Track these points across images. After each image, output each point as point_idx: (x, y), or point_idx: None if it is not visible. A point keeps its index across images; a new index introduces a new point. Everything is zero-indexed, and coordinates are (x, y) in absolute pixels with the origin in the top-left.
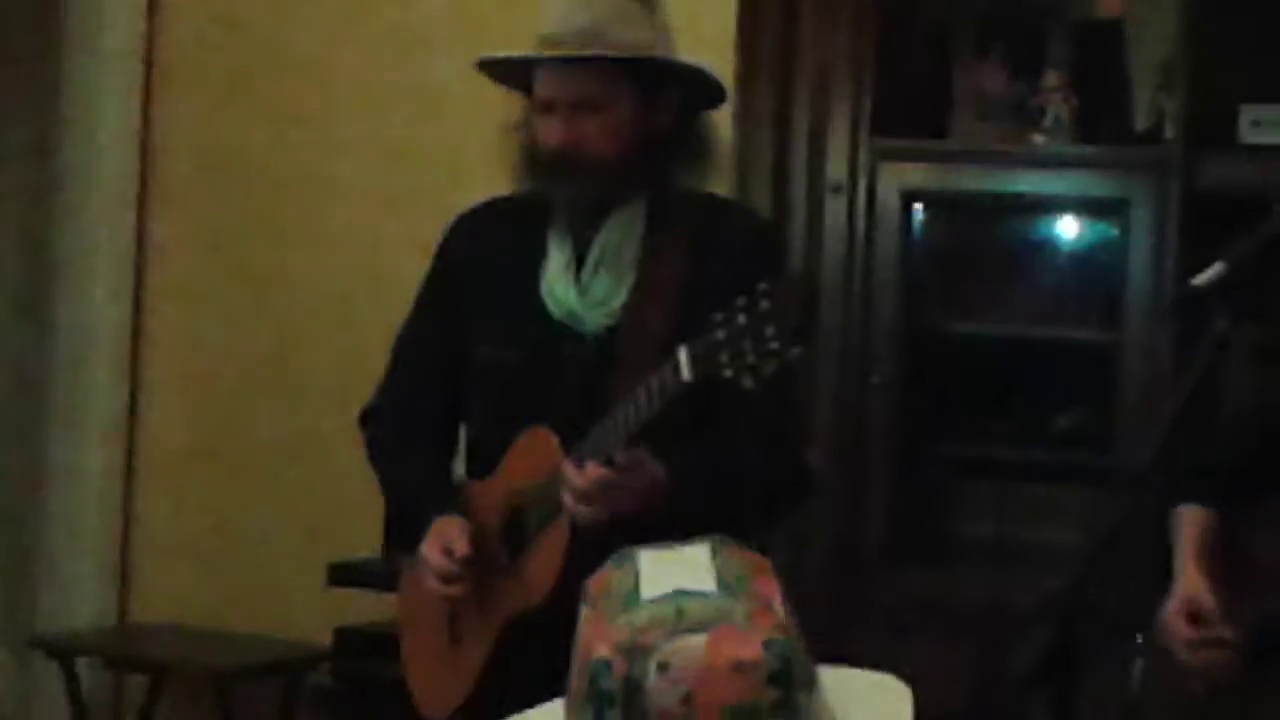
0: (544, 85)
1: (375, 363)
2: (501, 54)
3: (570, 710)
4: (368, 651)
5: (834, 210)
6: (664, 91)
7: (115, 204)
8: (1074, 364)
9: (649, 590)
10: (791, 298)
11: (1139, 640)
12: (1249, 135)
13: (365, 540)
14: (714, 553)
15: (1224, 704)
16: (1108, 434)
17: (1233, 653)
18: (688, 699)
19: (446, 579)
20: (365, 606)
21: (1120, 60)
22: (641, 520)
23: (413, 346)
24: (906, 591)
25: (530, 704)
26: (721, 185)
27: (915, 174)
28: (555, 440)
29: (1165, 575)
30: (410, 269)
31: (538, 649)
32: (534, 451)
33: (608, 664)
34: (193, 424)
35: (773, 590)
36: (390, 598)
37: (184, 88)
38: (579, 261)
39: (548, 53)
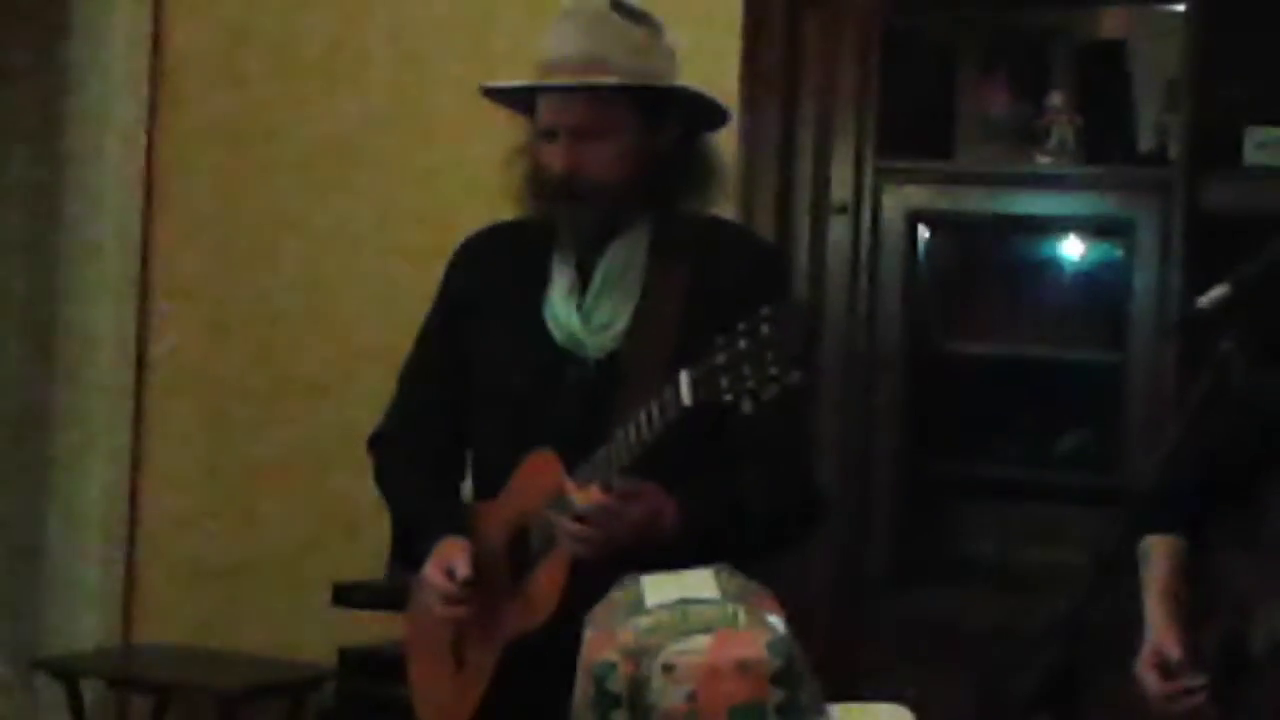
0: (546, 112)
1: (381, 380)
2: (505, 83)
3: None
4: (373, 672)
5: (838, 231)
6: (666, 115)
7: (119, 211)
8: (1078, 385)
9: (652, 600)
10: (792, 323)
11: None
12: (1254, 156)
13: (370, 561)
14: (716, 574)
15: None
16: (1112, 454)
17: (1203, 696)
18: (693, 699)
19: (447, 600)
20: (370, 627)
21: (1125, 81)
22: (644, 553)
23: (420, 372)
24: (911, 613)
25: None
26: (726, 206)
27: (920, 195)
28: (559, 463)
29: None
30: (418, 281)
31: (540, 672)
32: (538, 474)
33: (613, 666)
34: (198, 444)
35: (774, 607)
36: (395, 618)
37: (190, 91)
38: (582, 286)
39: (548, 81)
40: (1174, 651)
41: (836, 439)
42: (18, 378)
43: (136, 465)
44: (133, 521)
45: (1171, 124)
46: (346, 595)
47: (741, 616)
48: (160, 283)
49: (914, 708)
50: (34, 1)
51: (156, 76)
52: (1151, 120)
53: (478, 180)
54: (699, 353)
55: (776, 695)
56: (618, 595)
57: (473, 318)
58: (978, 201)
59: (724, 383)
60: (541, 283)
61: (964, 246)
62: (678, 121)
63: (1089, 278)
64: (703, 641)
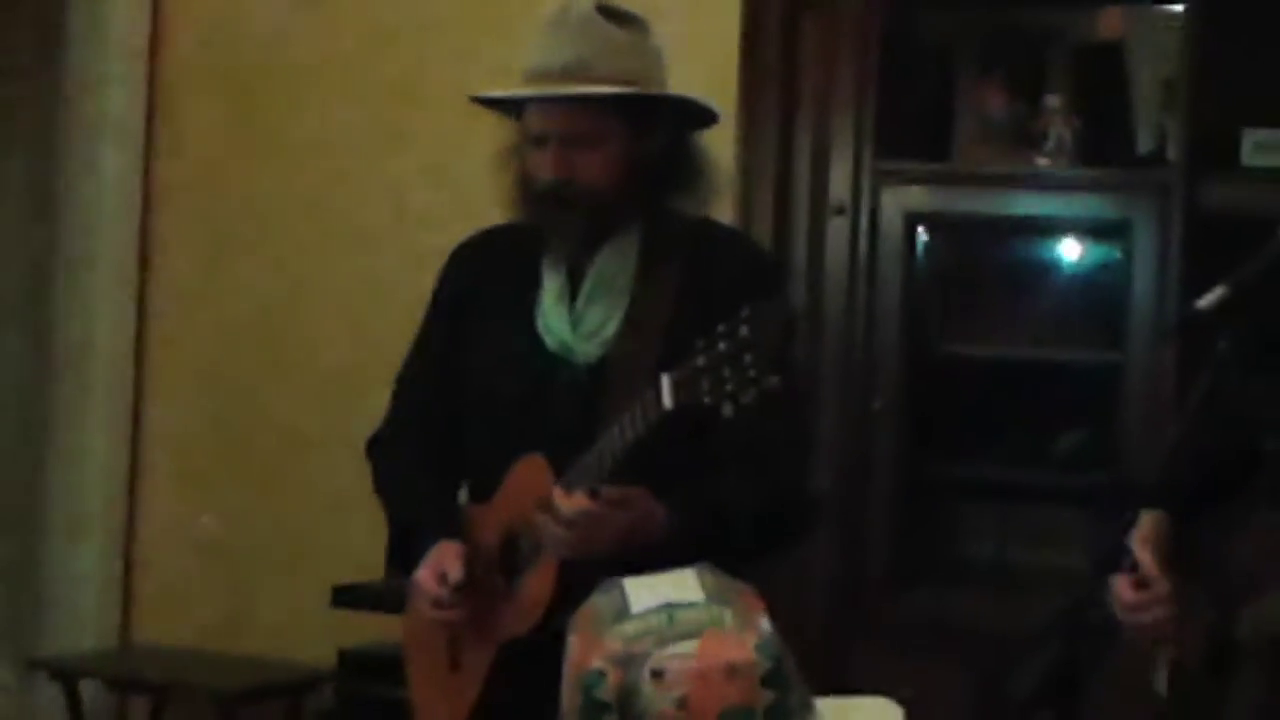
0: (534, 120)
1: (381, 381)
2: (494, 93)
3: None
4: (371, 673)
5: (836, 233)
6: (654, 119)
7: (118, 207)
8: (1077, 386)
9: (637, 605)
10: (769, 325)
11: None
12: (1251, 158)
13: (369, 562)
14: (699, 574)
15: (1190, 710)
16: (1111, 455)
17: (1175, 610)
18: (683, 704)
19: (438, 604)
20: (369, 628)
21: (1122, 83)
22: (633, 556)
23: (416, 376)
24: (909, 613)
25: None
26: (724, 208)
27: (918, 196)
28: (548, 468)
29: None
30: (419, 281)
31: (533, 675)
32: (527, 479)
33: (602, 674)
34: (195, 447)
35: (759, 606)
36: (394, 619)
37: (187, 91)
38: (573, 290)
39: (536, 90)
40: (1145, 559)
41: (835, 440)
42: (16, 379)
43: (135, 466)
44: (131, 522)
45: (1169, 125)
46: (345, 596)
47: (728, 618)
48: (158, 284)
49: (912, 707)
50: (32, 4)
51: (154, 79)
52: (1150, 122)
53: (478, 182)
54: (680, 356)
55: (766, 697)
56: (600, 600)
57: (466, 322)
58: (976, 203)
59: (704, 385)
60: (533, 287)
61: (962, 248)
62: (667, 124)
63: (1087, 279)
64: (691, 646)
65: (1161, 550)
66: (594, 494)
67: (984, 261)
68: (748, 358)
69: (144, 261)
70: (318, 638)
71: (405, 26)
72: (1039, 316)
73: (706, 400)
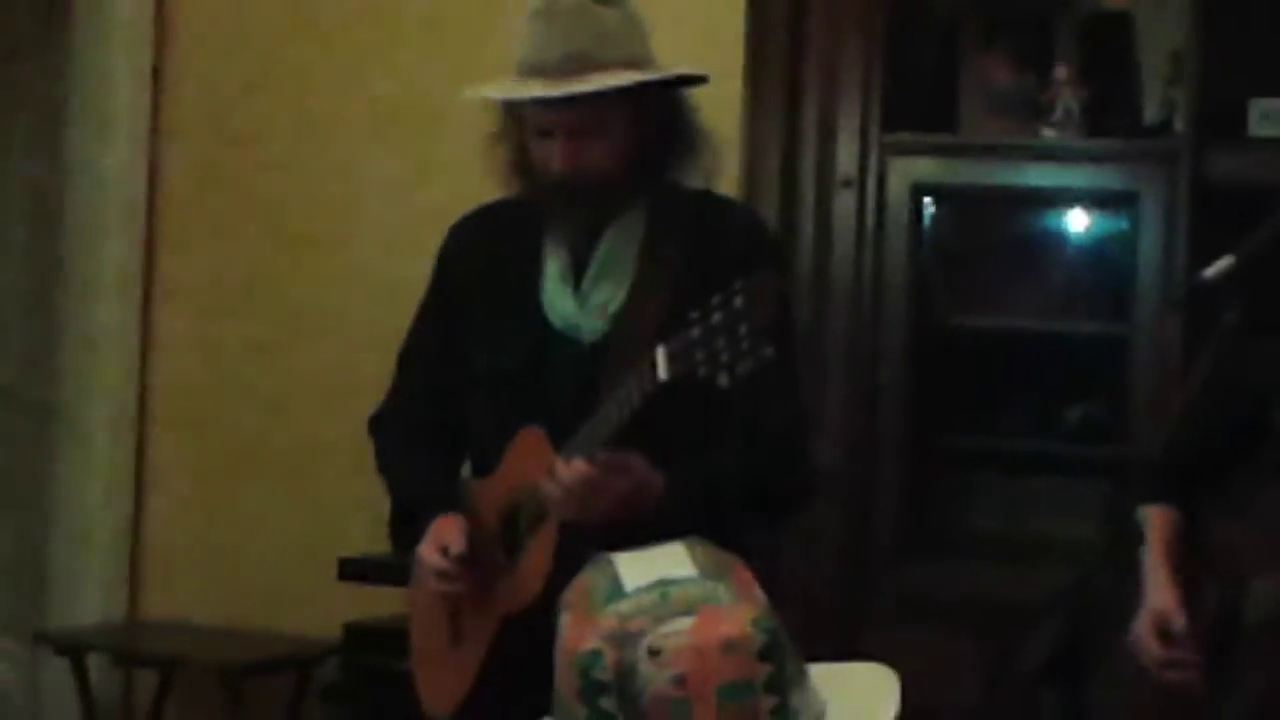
0: (538, 115)
1: (384, 359)
2: (500, 95)
3: (559, 713)
4: (377, 646)
5: (843, 205)
6: (653, 93)
7: (122, 202)
8: (1084, 357)
9: (630, 582)
10: (763, 296)
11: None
12: (1259, 128)
13: (375, 535)
14: (689, 548)
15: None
16: (1118, 426)
17: (1198, 672)
18: (681, 681)
19: (441, 577)
20: (375, 601)
21: (1129, 53)
22: (632, 525)
23: (416, 354)
24: (917, 585)
25: (527, 703)
26: (730, 181)
27: (925, 168)
28: (547, 440)
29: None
30: (418, 269)
31: (534, 649)
32: (527, 452)
33: (598, 654)
34: (201, 419)
35: (750, 579)
36: (400, 593)
37: (193, 84)
38: (577, 268)
39: (543, 87)
40: (1178, 619)
41: (843, 412)
42: (21, 353)
43: (141, 441)
44: (138, 496)
45: (1176, 96)
46: (351, 570)
47: (722, 593)
48: (163, 265)
49: (921, 680)
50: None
51: (159, 67)
52: (1156, 92)
53: (484, 176)
54: (676, 327)
55: (764, 671)
56: (591, 576)
57: (467, 300)
58: (983, 174)
59: (699, 357)
60: (534, 264)
61: (969, 219)
62: (663, 97)
63: (1094, 250)
64: (686, 623)
65: (1174, 555)
66: (592, 460)
67: (991, 233)
68: (742, 329)
69: (149, 253)
70: (324, 611)
71: (409, 21)
72: (1046, 288)
73: (702, 372)
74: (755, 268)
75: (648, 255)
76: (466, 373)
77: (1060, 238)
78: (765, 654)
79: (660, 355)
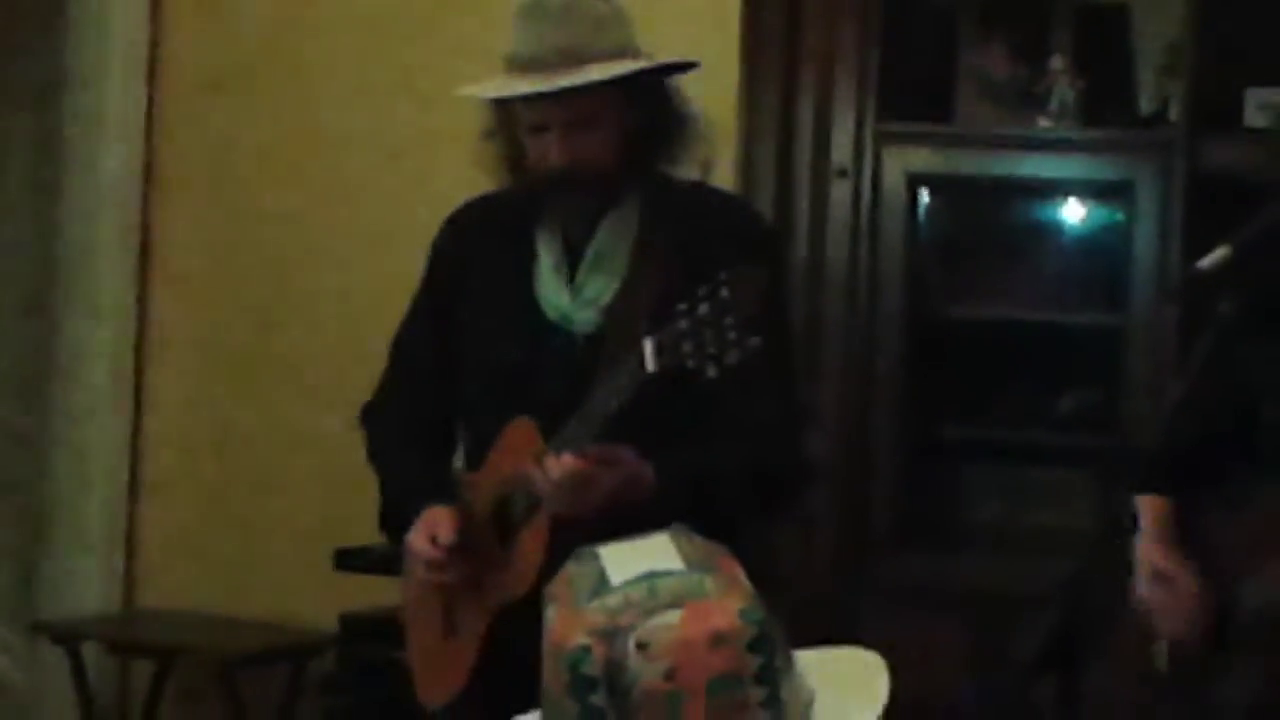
0: (532, 110)
1: (381, 352)
2: (495, 93)
3: (549, 708)
4: (373, 637)
5: (839, 195)
6: (644, 83)
7: (119, 196)
8: (1079, 347)
9: (617, 576)
10: (748, 287)
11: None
12: (1254, 118)
13: (371, 526)
14: (674, 539)
15: (1186, 689)
16: (1113, 417)
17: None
18: (671, 675)
19: (431, 566)
20: (371, 592)
21: (1125, 43)
22: (623, 516)
23: (408, 346)
24: (912, 575)
25: (522, 694)
26: (725, 171)
27: (920, 158)
28: (537, 431)
29: None
30: (418, 262)
31: (529, 640)
32: (517, 442)
33: (587, 649)
34: (198, 409)
35: (736, 569)
36: (396, 583)
37: (188, 83)
38: (570, 259)
39: (538, 81)
40: (1164, 563)
41: (838, 403)
42: (18, 342)
43: (138, 430)
44: (134, 486)
45: (1172, 86)
46: (348, 560)
47: (709, 585)
48: (159, 247)
49: (917, 669)
50: None
51: (155, 72)
52: (1152, 83)
53: (480, 178)
54: (664, 320)
55: (754, 663)
56: (576, 570)
57: (461, 292)
58: (978, 165)
59: (686, 348)
60: (528, 255)
61: (964, 210)
62: (652, 87)
63: (1089, 240)
64: (674, 616)
65: (1166, 535)
66: (582, 454)
67: (986, 223)
68: (728, 320)
69: (145, 249)
70: (321, 602)
71: (404, 18)
72: (1041, 278)
73: (690, 363)
74: (750, 260)
75: (640, 248)
76: (462, 365)
77: (1056, 228)
78: (754, 646)
79: (648, 347)
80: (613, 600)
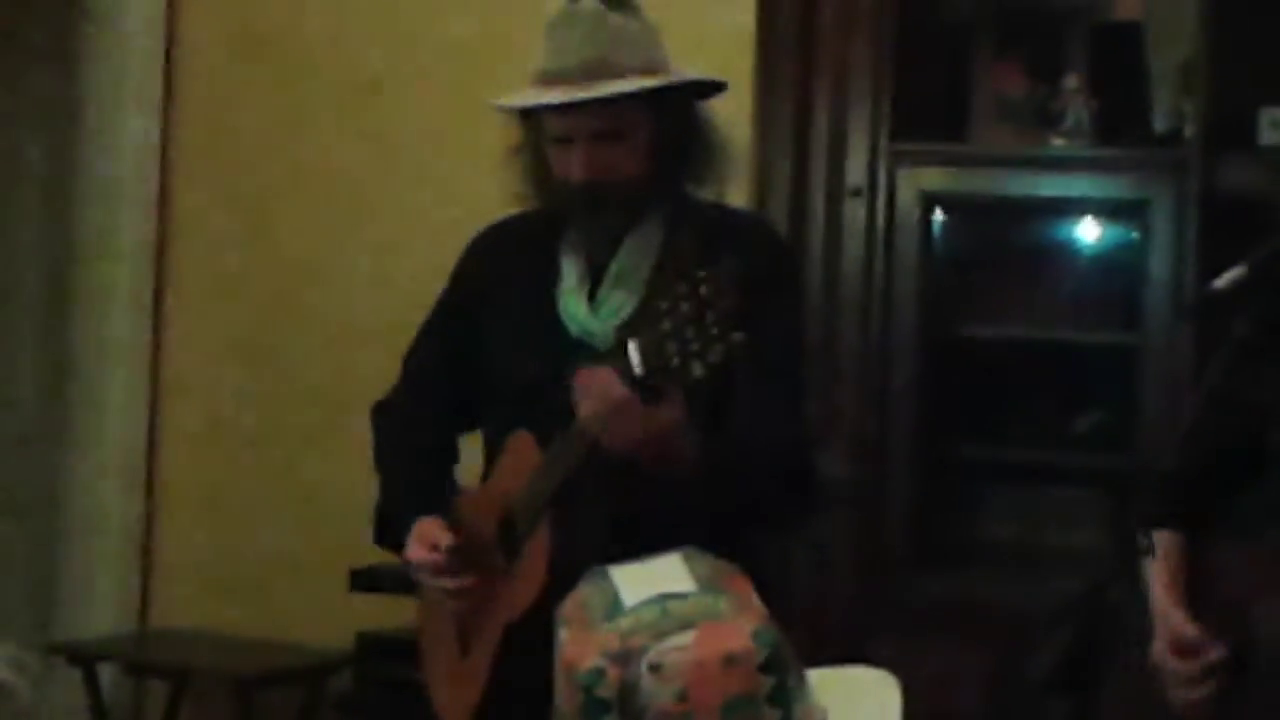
0: (558, 122)
1: (395, 367)
2: (522, 103)
3: None
4: (389, 656)
5: (853, 214)
6: (671, 100)
7: (134, 207)
8: (1094, 366)
9: (630, 598)
10: (727, 282)
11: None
12: (1268, 137)
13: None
14: (686, 559)
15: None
16: (1128, 436)
17: (1224, 673)
18: (684, 697)
19: (438, 572)
20: (387, 611)
21: (1139, 62)
22: (661, 477)
23: (423, 357)
24: (928, 594)
25: (536, 710)
26: (740, 190)
27: (935, 177)
28: (535, 444)
29: None
30: (430, 268)
31: (540, 655)
32: (517, 456)
33: (601, 672)
34: (213, 429)
35: (748, 589)
36: (412, 602)
37: (203, 80)
38: (593, 276)
39: (562, 92)
40: (1188, 629)
41: (854, 422)
42: (34, 365)
43: (153, 451)
44: (149, 506)
45: (1186, 105)
46: (363, 580)
47: (723, 606)
48: (175, 279)
49: (932, 689)
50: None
51: (170, 68)
52: (1167, 102)
53: (493, 175)
54: (646, 322)
55: (767, 684)
56: (589, 591)
57: (483, 310)
58: (993, 184)
59: (671, 348)
60: (551, 273)
61: (979, 229)
62: (681, 104)
63: (1104, 259)
64: (687, 638)
65: (1180, 583)
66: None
67: (1001, 242)
68: (709, 315)
69: (160, 254)
70: (336, 621)
71: (419, 8)
72: (1056, 297)
73: (675, 362)
74: (769, 286)
75: (662, 267)
76: (484, 381)
77: (1070, 247)
78: (767, 667)
79: (632, 350)
80: (625, 622)
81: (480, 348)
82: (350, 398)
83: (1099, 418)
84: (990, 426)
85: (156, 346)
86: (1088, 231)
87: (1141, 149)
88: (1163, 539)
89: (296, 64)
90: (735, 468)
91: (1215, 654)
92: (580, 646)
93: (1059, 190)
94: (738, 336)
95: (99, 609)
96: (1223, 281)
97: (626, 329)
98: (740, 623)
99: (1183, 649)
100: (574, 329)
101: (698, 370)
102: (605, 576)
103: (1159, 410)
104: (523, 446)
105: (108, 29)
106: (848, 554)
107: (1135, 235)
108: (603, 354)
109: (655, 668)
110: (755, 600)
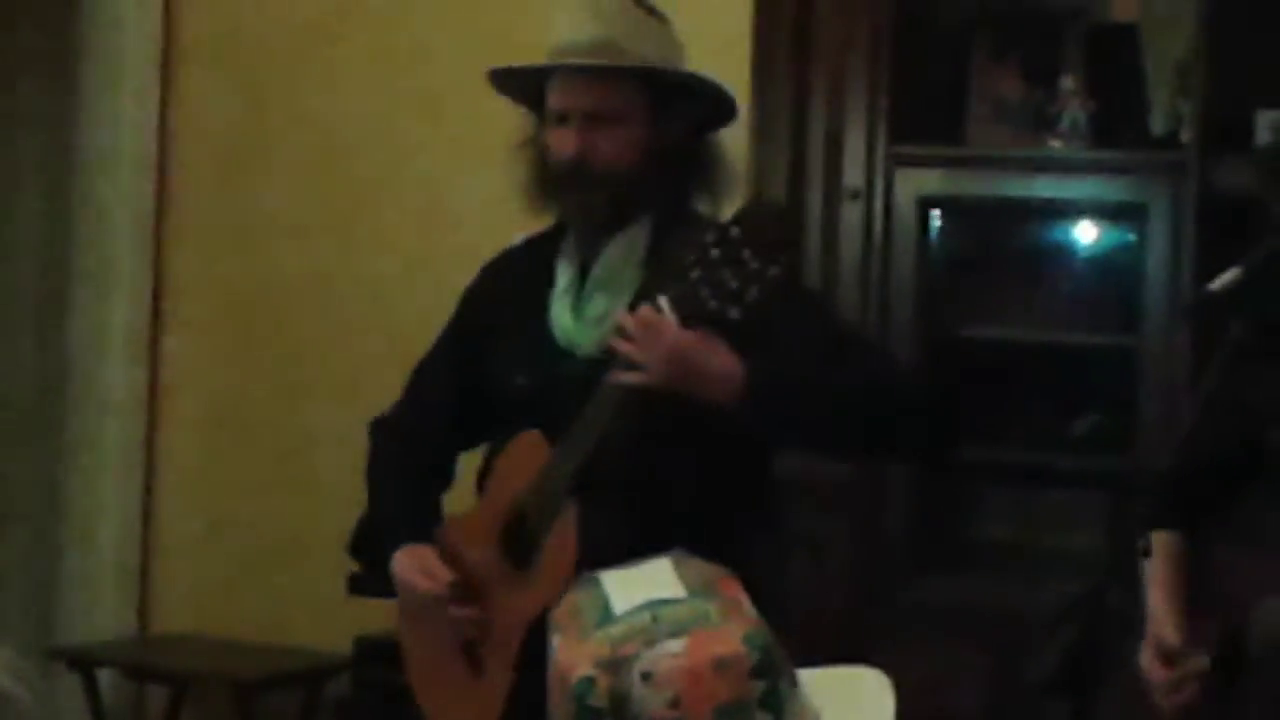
0: (558, 96)
1: (398, 373)
2: (521, 64)
3: None
4: (388, 660)
5: (850, 217)
6: (677, 106)
7: (132, 199)
8: (1091, 369)
9: (620, 605)
10: (763, 220)
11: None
12: (1265, 139)
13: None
14: (675, 564)
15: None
16: (1126, 438)
17: (1204, 682)
18: (676, 704)
19: (442, 602)
20: (385, 615)
21: (1137, 64)
22: (719, 415)
23: (426, 378)
24: (926, 597)
25: None
26: (737, 193)
27: (932, 179)
28: (545, 442)
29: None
30: (432, 269)
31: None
32: (526, 455)
33: (592, 681)
34: (211, 434)
35: (738, 592)
36: None
37: (201, 86)
38: (581, 282)
39: (567, 61)
40: (1172, 637)
41: None
42: (32, 369)
43: (151, 456)
44: (148, 511)
45: (1184, 107)
46: (362, 584)
47: (713, 612)
48: (172, 278)
49: (931, 691)
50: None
51: (168, 68)
52: (1164, 103)
53: (494, 178)
54: (672, 276)
55: (758, 688)
56: (580, 598)
57: (488, 332)
58: (990, 186)
59: (704, 293)
60: (547, 286)
61: (976, 231)
62: (686, 115)
63: (1101, 262)
64: (678, 644)
65: (1177, 583)
66: (658, 308)
67: (998, 245)
68: (745, 252)
69: (158, 254)
70: (335, 626)
71: (419, 8)
72: (1053, 299)
73: (711, 306)
74: (785, 290)
75: (648, 275)
76: (485, 397)
77: (1067, 249)
78: (758, 671)
79: (664, 305)
80: (616, 630)
81: (482, 365)
82: (352, 400)
83: (1097, 419)
84: (988, 429)
85: (154, 354)
86: (1085, 233)
87: (1139, 151)
88: (1162, 540)
89: (295, 64)
90: (794, 388)
91: (1196, 663)
92: (572, 654)
93: (1056, 192)
94: (775, 271)
95: (99, 615)
96: (1220, 283)
97: (652, 285)
98: (731, 628)
99: (1166, 656)
100: (560, 337)
101: (734, 313)
102: (596, 583)
103: (1157, 412)
104: (527, 445)
105: (105, 30)
106: (846, 556)
107: (1132, 237)
108: (594, 361)
109: (647, 675)
110: (746, 603)
